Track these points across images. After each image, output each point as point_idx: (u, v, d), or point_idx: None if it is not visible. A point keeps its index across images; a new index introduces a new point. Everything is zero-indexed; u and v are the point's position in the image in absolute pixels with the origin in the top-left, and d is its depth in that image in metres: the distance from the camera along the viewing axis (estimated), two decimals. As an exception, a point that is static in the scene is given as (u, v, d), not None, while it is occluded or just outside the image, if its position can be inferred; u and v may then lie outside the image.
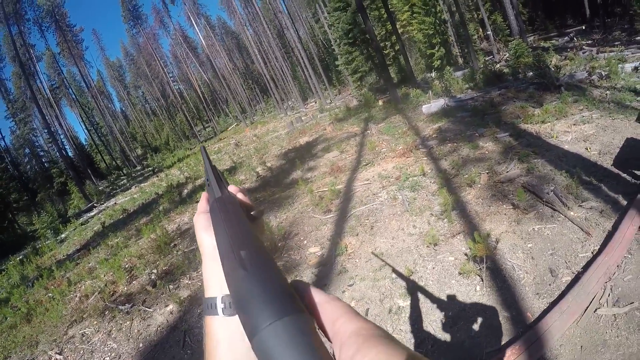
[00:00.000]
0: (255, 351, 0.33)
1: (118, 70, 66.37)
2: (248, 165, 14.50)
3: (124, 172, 42.25)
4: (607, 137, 6.95)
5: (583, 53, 16.02)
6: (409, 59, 23.79)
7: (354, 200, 7.57)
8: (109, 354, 5.25)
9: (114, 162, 50.48)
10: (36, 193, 37.48)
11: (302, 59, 34.97)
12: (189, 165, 22.70)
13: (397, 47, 25.15)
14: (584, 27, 24.42)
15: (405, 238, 5.62)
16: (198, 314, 5.42)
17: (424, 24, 23.28)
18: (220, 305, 0.49)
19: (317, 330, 0.38)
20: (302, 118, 24.75)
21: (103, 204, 22.99)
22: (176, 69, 65.91)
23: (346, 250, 5.74)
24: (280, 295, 0.36)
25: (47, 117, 37.22)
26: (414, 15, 24.16)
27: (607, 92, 9.60)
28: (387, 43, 27.19)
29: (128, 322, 5.82)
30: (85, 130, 51.14)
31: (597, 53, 15.36)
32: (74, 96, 50.20)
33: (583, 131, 7.49)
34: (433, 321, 3.87)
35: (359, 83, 26.89)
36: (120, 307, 6.28)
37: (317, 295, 0.42)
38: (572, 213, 4.90)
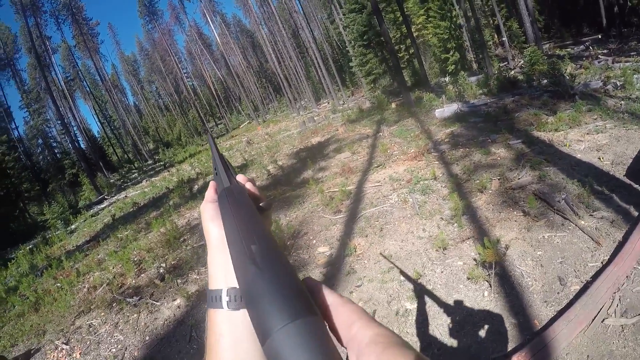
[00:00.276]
0: (266, 353, 0.33)
1: (132, 65, 66.97)
2: (259, 163, 14.57)
3: (136, 165, 42.62)
4: (620, 147, 6.88)
5: (598, 62, 15.83)
6: (423, 62, 23.76)
7: (364, 202, 7.57)
8: (116, 345, 5.31)
9: (125, 156, 50.80)
10: (48, 183, 37.86)
11: (316, 59, 35.05)
12: (200, 161, 22.85)
13: (411, 51, 25.11)
14: (600, 36, 24.14)
15: (415, 241, 5.62)
16: (205, 309, 5.44)
17: (439, 28, 23.15)
18: (225, 298, 0.48)
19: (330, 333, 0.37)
20: (315, 118, 24.75)
21: (114, 196, 23.22)
22: (190, 65, 66.39)
23: (355, 251, 5.75)
24: (293, 296, 0.36)
25: (60, 109, 37.68)
26: (430, 19, 24.03)
27: (622, 102, 9.50)
28: (401, 46, 27.14)
29: (135, 315, 5.88)
30: (98, 123, 51.67)
31: (613, 63, 15.18)
32: (88, 89, 50.76)
33: (596, 140, 7.42)
34: (440, 325, 3.87)
35: (372, 85, 26.87)
36: (128, 299, 6.34)
37: (330, 297, 0.41)
38: (582, 222, 4.87)
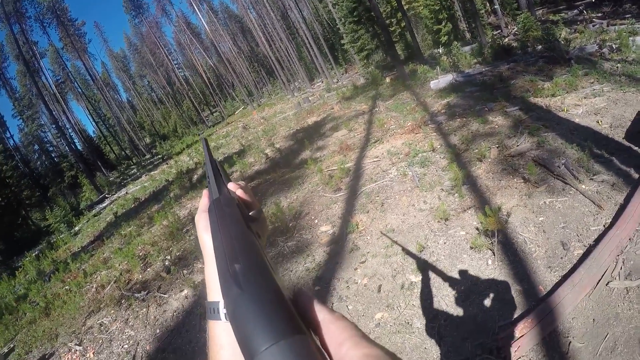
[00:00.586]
0: None
1: (122, 61, 66.22)
2: (257, 148, 14.51)
3: (134, 161, 42.60)
4: (618, 110, 6.82)
5: (593, 26, 15.60)
6: (416, 35, 23.41)
7: (363, 178, 7.57)
8: (127, 341, 5.37)
9: (123, 152, 50.68)
10: (48, 188, 37.89)
11: (307, 39, 34.63)
12: (197, 151, 22.80)
13: (403, 24, 24.75)
14: (593, 0, 23.79)
15: (416, 214, 5.62)
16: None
17: (429, -1, 22.85)
18: (222, 311, 0.47)
19: (319, 350, 0.36)
20: (310, 98, 24.56)
21: (114, 194, 23.22)
22: (181, 56, 65.71)
23: (357, 228, 5.77)
24: (277, 316, 0.35)
25: (54, 113, 37.56)
26: (420, -10, 23.72)
27: (618, 65, 9.40)
28: (392, 20, 26.74)
29: (144, 309, 5.93)
30: (93, 123, 51.24)
31: (608, 26, 14.94)
32: (79, 90, 50.28)
33: (594, 104, 7.35)
34: (445, 296, 3.89)
35: (365, 61, 26.57)
36: (136, 294, 6.39)
37: (321, 313, 0.40)
38: (583, 186, 4.85)
